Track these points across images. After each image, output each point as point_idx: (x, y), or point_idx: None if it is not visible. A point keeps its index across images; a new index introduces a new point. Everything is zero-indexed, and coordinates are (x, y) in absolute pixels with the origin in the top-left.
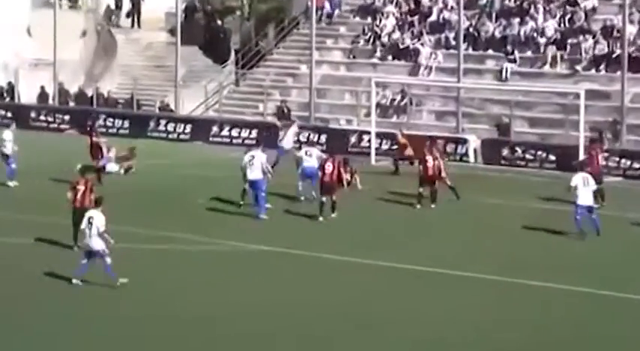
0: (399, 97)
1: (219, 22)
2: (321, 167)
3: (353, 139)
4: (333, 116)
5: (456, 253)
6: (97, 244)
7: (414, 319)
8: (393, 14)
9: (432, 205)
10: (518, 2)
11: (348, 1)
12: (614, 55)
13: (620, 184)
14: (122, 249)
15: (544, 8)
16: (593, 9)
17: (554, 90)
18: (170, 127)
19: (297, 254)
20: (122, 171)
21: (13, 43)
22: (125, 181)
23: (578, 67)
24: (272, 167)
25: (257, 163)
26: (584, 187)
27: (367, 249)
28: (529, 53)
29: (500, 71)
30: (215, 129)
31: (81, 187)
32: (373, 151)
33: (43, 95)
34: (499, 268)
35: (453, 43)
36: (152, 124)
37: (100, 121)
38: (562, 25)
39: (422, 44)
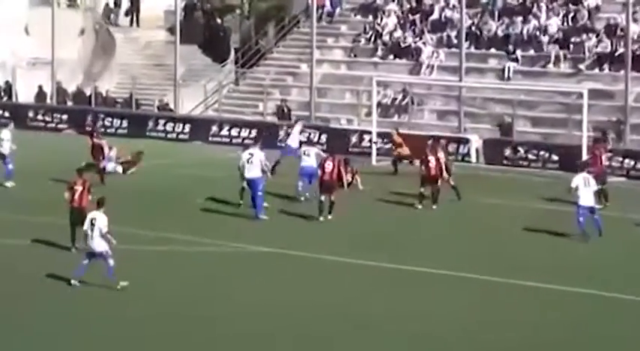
0: (400, 97)
1: (218, 20)
2: (321, 166)
3: (354, 138)
4: (333, 116)
5: (456, 254)
6: (100, 245)
7: (411, 319)
8: (395, 12)
9: (434, 206)
10: (520, 0)
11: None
12: (617, 54)
13: (623, 185)
14: (122, 250)
15: (547, 6)
16: (597, 7)
17: (557, 89)
18: (169, 126)
19: (297, 255)
20: (120, 170)
21: (10, 42)
22: (124, 181)
23: (582, 66)
24: (273, 167)
25: (256, 162)
26: (585, 188)
27: (366, 250)
28: (532, 52)
29: (503, 70)
30: (214, 129)
31: (78, 187)
32: (374, 152)
33: (40, 94)
34: (498, 269)
35: (455, 41)
36: (151, 123)
37: (99, 121)
38: (565, 23)
39: (424, 43)
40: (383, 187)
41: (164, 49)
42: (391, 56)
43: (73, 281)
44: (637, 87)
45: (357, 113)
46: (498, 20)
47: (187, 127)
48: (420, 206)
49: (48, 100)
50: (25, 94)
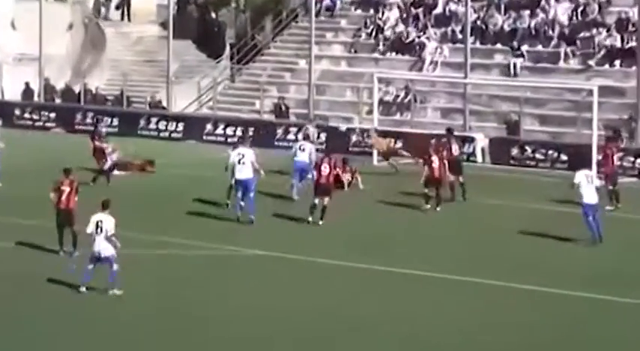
0: (402, 94)
1: (213, 14)
2: (317, 168)
3: (354, 138)
4: (333, 114)
5: (455, 256)
6: (107, 250)
7: (406, 323)
8: (397, 6)
9: (437, 208)
10: None
11: None
12: (628, 49)
13: (635, 185)
14: (120, 255)
15: (556, 0)
16: (608, 1)
17: (565, 86)
18: (162, 125)
19: (293, 258)
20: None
21: None
22: (116, 182)
23: (591, 62)
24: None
25: (247, 162)
26: (587, 185)
27: (363, 253)
28: (540, 47)
29: (509, 66)
30: (209, 127)
31: (66, 188)
32: (375, 151)
33: (27, 92)
34: (497, 272)
35: (460, 36)
36: (142, 122)
37: (88, 119)
38: (574, 17)
39: (427, 38)
40: (384, 187)
41: (156, 45)
42: (393, 52)
43: (82, 288)
44: None
45: (357, 111)
46: (505, 14)
47: (181, 126)
48: (427, 206)
49: (35, 98)
50: (11, 92)
